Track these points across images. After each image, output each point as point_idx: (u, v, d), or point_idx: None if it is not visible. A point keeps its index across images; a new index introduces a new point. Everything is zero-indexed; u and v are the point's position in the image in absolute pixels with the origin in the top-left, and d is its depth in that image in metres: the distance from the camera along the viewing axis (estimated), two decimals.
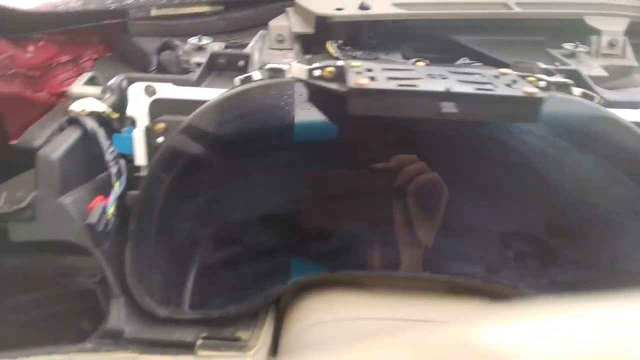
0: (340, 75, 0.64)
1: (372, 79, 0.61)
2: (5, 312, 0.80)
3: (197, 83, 0.76)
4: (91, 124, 0.66)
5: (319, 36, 1.00)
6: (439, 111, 0.57)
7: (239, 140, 0.70)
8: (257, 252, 0.79)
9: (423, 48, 1.08)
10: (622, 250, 0.72)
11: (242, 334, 0.66)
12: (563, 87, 0.71)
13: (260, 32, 1.00)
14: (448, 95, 0.58)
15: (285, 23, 1.01)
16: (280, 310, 0.72)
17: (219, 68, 0.84)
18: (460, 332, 0.27)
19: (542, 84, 0.66)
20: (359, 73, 0.62)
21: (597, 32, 0.96)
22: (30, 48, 0.99)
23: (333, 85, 0.62)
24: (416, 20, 1.03)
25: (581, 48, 0.93)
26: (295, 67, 0.66)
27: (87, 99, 0.70)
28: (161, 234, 0.70)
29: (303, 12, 1.02)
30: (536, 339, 0.25)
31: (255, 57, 0.89)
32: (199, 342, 0.64)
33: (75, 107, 0.69)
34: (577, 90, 0.71)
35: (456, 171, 0.74)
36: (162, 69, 0.92)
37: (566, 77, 0.75)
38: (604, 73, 0.90)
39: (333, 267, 0.71)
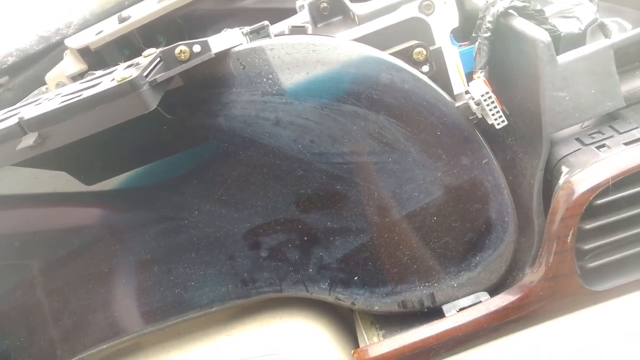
0: None
1: None
2: None
3: None
4: None
5: (98, 67, 0.90)
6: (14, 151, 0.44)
7: None
8: None
9: (235, 24, 0.97)
10: (386, 191, 0.56)
11: None
12: (260, 32, 0.59)
13: (36, 91, 0.91)
14: (25, 126, 0.45)
15: (60, 70, 0.91)
16: None
17: None
18: None
19: (185, 54, 0.51)
20: None
21: None
22: None
23: None
24: (190, 4, 0.90)
25: None
26: None
27: None
28: None
29: (72, 52, 0.91)
30: None
31: None
32: None
33: None
34: (287, 29, 0.64)
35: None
36: None
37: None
38: None
39: None
